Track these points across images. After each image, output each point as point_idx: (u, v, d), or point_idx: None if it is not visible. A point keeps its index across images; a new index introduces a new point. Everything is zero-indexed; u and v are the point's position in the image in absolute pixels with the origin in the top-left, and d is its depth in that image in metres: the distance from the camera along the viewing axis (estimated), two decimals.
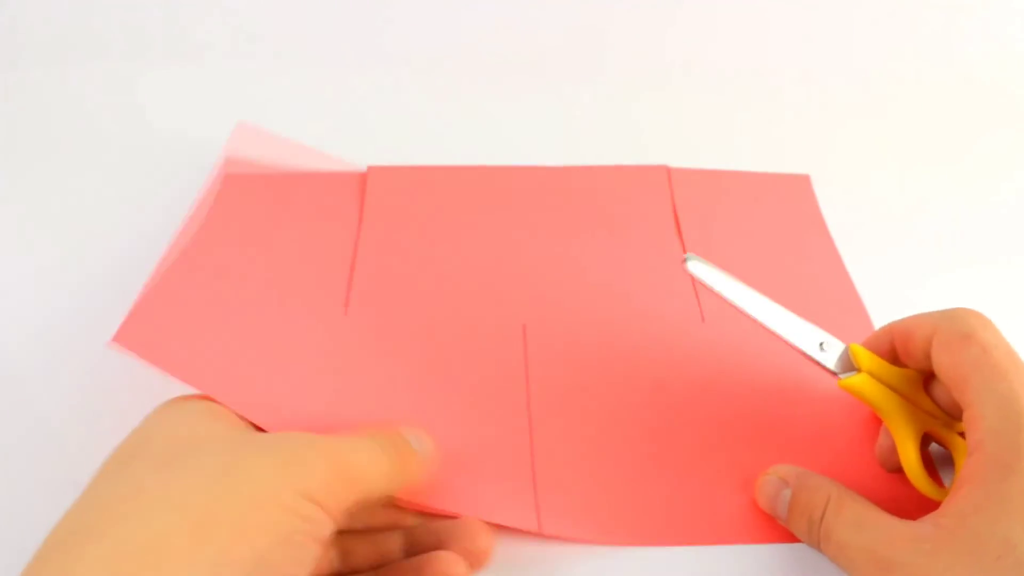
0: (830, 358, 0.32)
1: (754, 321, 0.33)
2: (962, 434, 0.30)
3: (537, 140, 0.49)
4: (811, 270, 0.41)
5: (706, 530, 0.31)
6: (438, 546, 0.28)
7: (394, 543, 0.28)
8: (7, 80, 0.50)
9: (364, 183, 0.44)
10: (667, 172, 0.45)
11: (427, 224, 0.42)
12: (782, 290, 0.39)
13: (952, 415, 0.30)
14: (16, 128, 0.48)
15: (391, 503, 0.29)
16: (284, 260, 0.39)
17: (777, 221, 0.44)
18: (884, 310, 0.39)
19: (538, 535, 0.30)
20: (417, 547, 0.28)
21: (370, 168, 0.45)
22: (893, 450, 0.31)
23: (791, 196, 0.46)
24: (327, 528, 0.24)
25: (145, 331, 0.32)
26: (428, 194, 0.44)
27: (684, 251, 0.42)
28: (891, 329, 0.31)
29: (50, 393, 0.34)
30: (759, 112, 0.53)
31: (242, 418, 0.29)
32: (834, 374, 0.32)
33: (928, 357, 0.29)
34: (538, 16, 0.56)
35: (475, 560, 0.28)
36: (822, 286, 0.41)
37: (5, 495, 0.31)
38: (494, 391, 0.35)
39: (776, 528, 0.31)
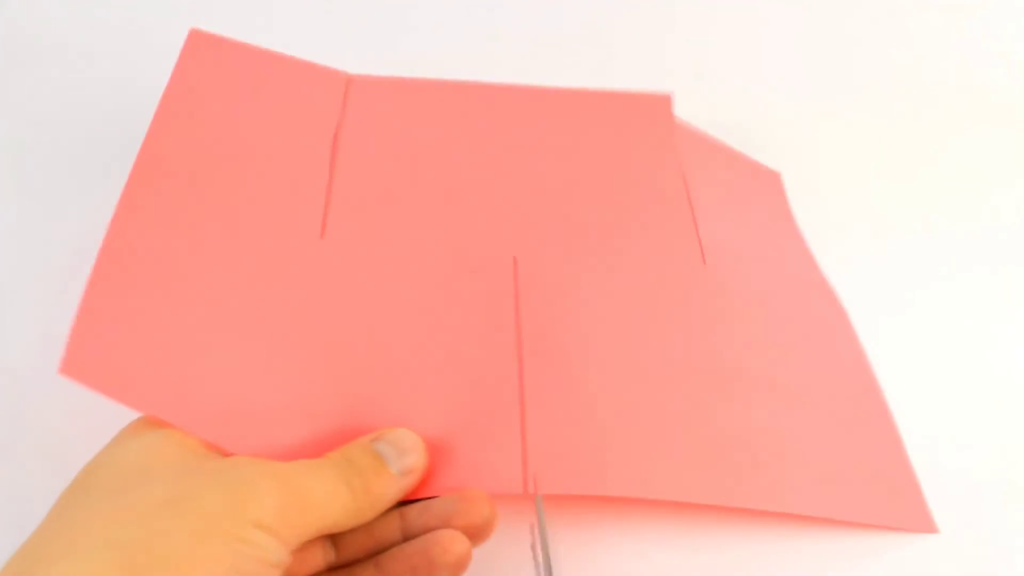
0: None
1: None
2: None
3: None
4: (785, 256, 0.40)
5: (706, 485, 0.29)
6: (437, 524, 0.26)
7: (390, 528, 0.27)
8: (9, 80, 0.50)
9: (346, 91, 0.40)
10: (669, 101, 0.42)
11: (412, 143, 0.39)
12: (756, 268, 0.38)
13: None
14: (16, 128, 0.48)
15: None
16: (252, 164, 0.35)
17: (752, 203, 0.43)
18: (866, 317, 0.39)
19: (527, 498, 0.28)
20: (415, 529, 0.27)
21: (352, 78, 0.41)
22: None
23: (764, 186, 0.44)
24: (282, 555, 0.23)
25: (96, 329, 0.28)
26: (415, 110, 0.40)
27: (688, 194, 0.39)
28: None
29: (47, 390, 0.33)
30: (741, 116, 0.51)
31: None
32: None
33: None
34: (525, 17, 0.56)
35: (478, 533, 0.26)
36: (792, 268, 0.39)
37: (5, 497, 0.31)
38: (480, 328, 0.32)
39: (778, 493, 0.30)
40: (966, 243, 0.44)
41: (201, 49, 0.38)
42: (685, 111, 0.51)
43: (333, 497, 0.25)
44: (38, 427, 0.33)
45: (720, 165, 0.43)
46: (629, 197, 0.38)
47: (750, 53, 0.56)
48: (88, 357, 0.27)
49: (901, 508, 0.31)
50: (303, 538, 0.24)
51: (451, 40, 0.55)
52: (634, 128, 0.41)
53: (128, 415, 0.28)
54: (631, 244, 0.36)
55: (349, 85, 0.40)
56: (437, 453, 0.28)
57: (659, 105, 0.42)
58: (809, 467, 0.31)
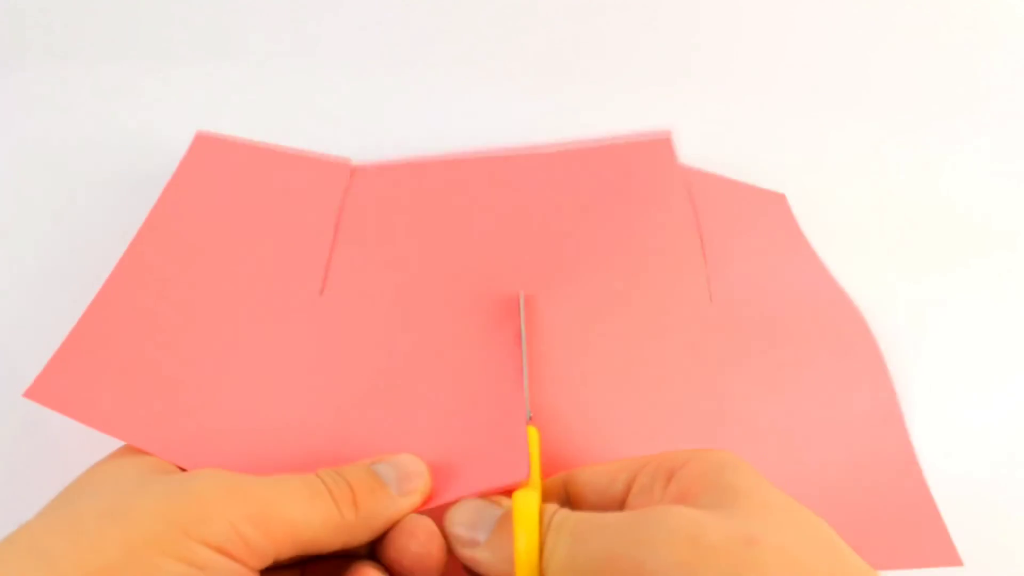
0: None
1: None
2: None
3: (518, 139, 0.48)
4: (800, 278, 0.40)
5: None
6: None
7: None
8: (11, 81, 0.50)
9: (351, 178, 0.41)
10: (669, 141, 0.41)
11: (415, 216, 0.39)
12: (771, 297, 0.39)
13: None
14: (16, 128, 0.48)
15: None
16: (255, 236, 0.36)
17: (761, 229, 0.43)
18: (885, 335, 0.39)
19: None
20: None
21: (356, 168, 0.42)
22: None
23: (770, 210, 0.44)
24: None
25: (86, 354, 0.29)
26: (417, 186, 0.41)
27: (700, 232, 0.39)
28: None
29: None
30: (736, 117, 0.51)
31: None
32: None
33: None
34: (518, 21, 0.56)
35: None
36: (808, 289, 0.40)
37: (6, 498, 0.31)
38: (487, 369, 0.32)
39: None
40: (981, 257, 0.44)
41: (206, 149, 0.40)
42: (683, 125, 0.51)
43: (311, 512, 0.23)
44: (38, 427, 0.33)
45: (723, 196, 0.44)
46: (637, 241, 0.38)
47: (748, 66, 0.55)
48: (62, 391, 0.28)
49: (925, 544, 0.31)
50: (273, 556, 0.23)
51: (454, 46, 0.55)
52: (638, 174, 0.41)
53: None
54: (640, 286, 0.36)
55: (353, 173, 0.42)
56: (440, 478, 0.28)
57: (660, 147, 0.41)
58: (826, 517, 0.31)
